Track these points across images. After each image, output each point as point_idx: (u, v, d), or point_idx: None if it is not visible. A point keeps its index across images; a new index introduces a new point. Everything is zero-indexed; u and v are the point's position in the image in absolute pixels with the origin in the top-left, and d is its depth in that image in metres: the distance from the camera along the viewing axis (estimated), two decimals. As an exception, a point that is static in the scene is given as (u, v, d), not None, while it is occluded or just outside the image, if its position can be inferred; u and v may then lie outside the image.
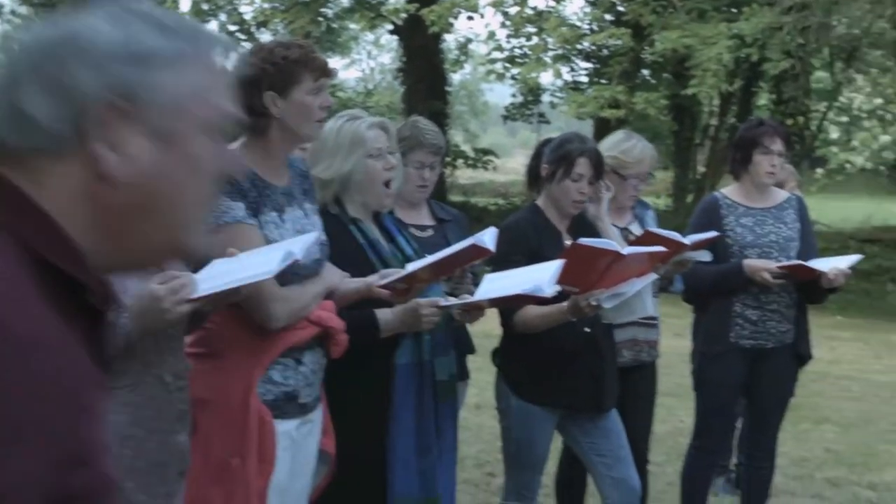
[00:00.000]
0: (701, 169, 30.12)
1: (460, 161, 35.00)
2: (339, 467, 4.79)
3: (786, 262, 6.69)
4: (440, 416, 5.04)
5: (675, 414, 9.96)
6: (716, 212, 6.89)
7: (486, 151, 36.26)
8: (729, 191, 7.06)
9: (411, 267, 4.61)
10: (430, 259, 4.66)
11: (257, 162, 4.38)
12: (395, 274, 4.59)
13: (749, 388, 6.99)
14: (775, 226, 6.88)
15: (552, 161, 5.90)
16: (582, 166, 5.83)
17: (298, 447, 4.47)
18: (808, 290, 6.85)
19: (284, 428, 4.35)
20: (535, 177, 6.10)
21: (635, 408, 6.65)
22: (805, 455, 9.93)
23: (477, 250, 4.63)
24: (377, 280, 4.57)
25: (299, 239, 4.06)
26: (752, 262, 6.68)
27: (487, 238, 4.61)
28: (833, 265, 6.63)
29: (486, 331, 5.98)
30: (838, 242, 25.47)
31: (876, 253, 25.25)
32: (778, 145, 6.84)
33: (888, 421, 11.86)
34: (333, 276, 4.45)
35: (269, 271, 3.63)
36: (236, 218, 4.22)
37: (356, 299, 4.63)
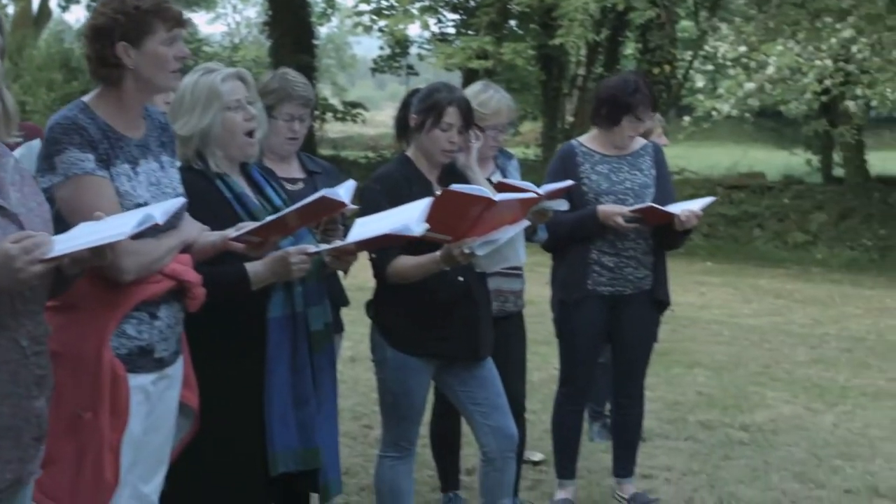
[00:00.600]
0: (570, 119, 30.30)
1: (329, 115, 34.87)
2: (217, 424, 4.76)
3: (637, 206, 6.76)
4: (316, 368, 5.02)
5: (549, 362, 10.03)
6: (572, 160, 6.95)
7: (355, 105, 36.17)
8: (586, 139, 7.13)
9: (265, 220, 4.55)
10: (282, 212, 4.60)
11: (111, 113, 4.32)
12: (249, 227, 4.52)
13: (612, 335, 7.07)
14: (630, 173, 6.96)
15: (421, 111, 5.88)
16: (451, 115, 5.82)
17: (155, 401, 4.41)
18: (664, 235, 6.93)
19: (139, 382, 4.29)
20: (404, 127, 6.04)
21: (507, 358, 6.67)
22: (678, 399, 10.09)
23: (329, 203, 4.58)
24: (233, 233, 4.51)
25: (163, 204, 3.98)
26: (604, 208, 6.76)
27: (342, 191, 4.57)
28: (685, 207, 6.71)
29: (360, 283, 5.95)
30: (706, 189, 25.75)
31: (743, 199, 25.70)
32: (649, 114, 6.94)
33: (758, 363, 12.11)
34: (192, 230, 4.40)
35: (124, 232, 3.55)
36: (85, 170, 4.16)
37: (213, 253, 4.57)
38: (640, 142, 7.10)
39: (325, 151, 32.45)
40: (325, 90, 46.07)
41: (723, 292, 18.06)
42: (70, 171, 4.14)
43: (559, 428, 7.25)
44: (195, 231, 4.42)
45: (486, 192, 5.28)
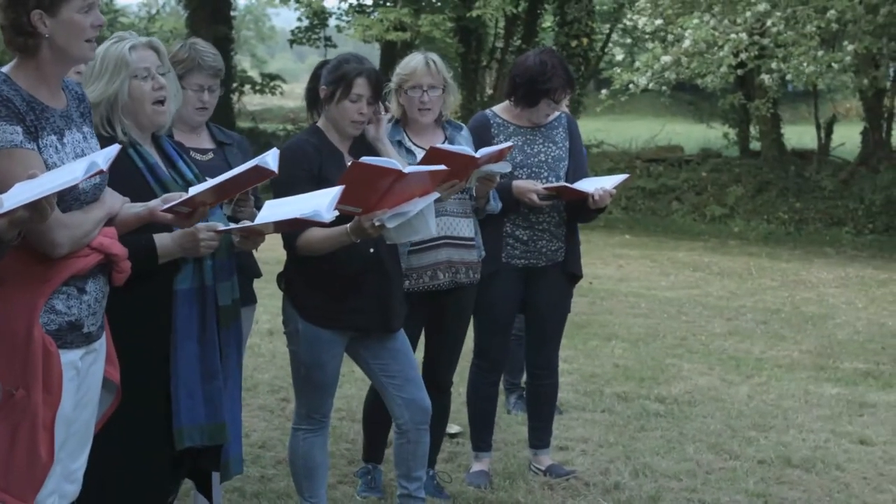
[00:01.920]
0: (489, 91, 30.29)
1: (248, 87, 34.70)
2: (124, 397, 4.71)
3: (551, 184, 6.77)
4: (224, 342, 4.95)
5: (470, 334, 10.02)
6: (486, 130, 6.95)
7: (273, 77, 36.05)
8: (500, 109, 7.12)
9: (193, 190, 4.52)
10: (212, 182, 4.56)
11: (31, 84, 4.24)
12: (177, 198, 4.46)
13: (526, 307, 7.09)
14: (545, 145, 6.97)
15: (330, 82, 5.86)
16: (360, 87, 5.80)
17: (83, 377, 4.38)
18: (577, 210, 6.95)
19: (69, 358, 4.25)
20: (314, 99, 6.02)
21: (445, 331, 6.75)
22: (595, 371, 10.14)
23: (260, 171, 4.54)
24: (159, 205, 4.46)
25: (102, 151, 3.94)
26: (519, 184, 6.76)
27: (270, 159, 4.53)
28: (599, 185, 6.74)
29: (278, 256, 5.90)
30: (624, 162, 26.00)
31: (661, 172, 25.86)
32: (566, 95, 6.95)
33: (674, 336, 12.20)
34: (114, 202, 4.34)
35: (75, 178, 3.55)
36: (14, 143, 4.08)
37: (137, 225, 4.52)
38: (553, 113, 7.07)
39: (243, 124, 32.31)
40: (245, 62, 45.90)
41: (641, 265, 18.17)
42: None
43: (474, 400, 7.26)
44: (118, 203, 4.36)
45: (396, 164, 5.26)
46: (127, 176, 4.71)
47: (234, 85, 32.43)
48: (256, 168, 4.50)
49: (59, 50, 4.25)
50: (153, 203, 4.47)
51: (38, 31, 4.19)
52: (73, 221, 3.95)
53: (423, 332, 6.75)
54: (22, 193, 3.52)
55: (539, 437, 7.37)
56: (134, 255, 4.61)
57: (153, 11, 47.37)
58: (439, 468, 7.16)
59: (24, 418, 4.04)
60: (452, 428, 7.95)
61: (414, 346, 6.39)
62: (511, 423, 8.37)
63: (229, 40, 30.93)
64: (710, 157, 26.78)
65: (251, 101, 37.97)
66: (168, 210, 4.47)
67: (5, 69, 4.29)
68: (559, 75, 6.81)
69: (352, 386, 8.94)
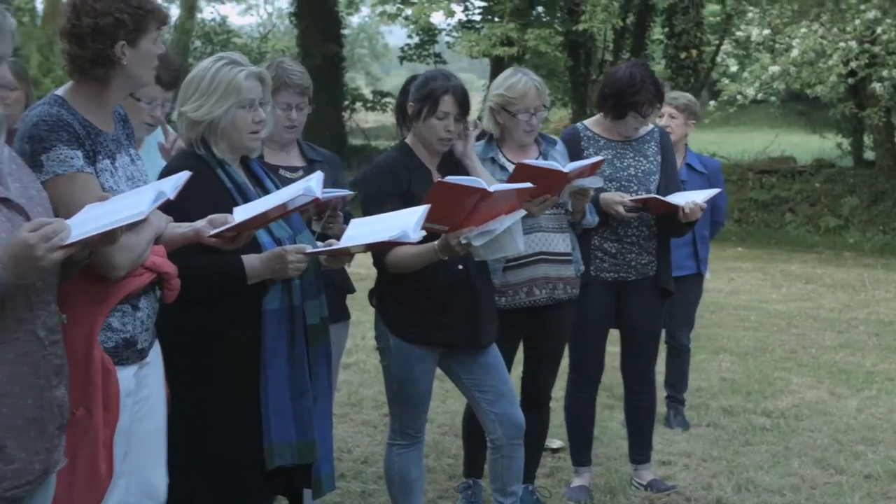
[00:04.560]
0: (597, 106, 30.10)
1: (359, 104, 34.94)
2: (214, 417, 4.79)
3: (639, 196, 6.72)
4: (312, 361, 4.97)
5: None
6: (576, 144, 6.91)
7: (385, 94, 36.20)
8: (591, 122, 7.09)
9: (239, 216, 4.51)
10: (257, 208, 4.56)
11: (87, 109, 4.30)
12: (222, 221, 4.49)
13: (619, 322, 7.06)
14: (635, 159, 6.92)
15: (417, 99, 5.87)
16: (447, 104, 5.80)
17: (138, 390, 4.43)
18: (668, 224, 6.90)
19: (124, 374, 4.30)
20: (403, 115, 6.03)
21: (543, 346, 6.71)
22: (701, 385, 10.04)
23: (305, 199, 4.55)
24: (206, 227, 4.49)
25: (169, 179, 3.96)
26: (606, 196, 6.72)
27: (314, 184, 4.54)
28: (690, 199, 6.68)
29: (374, 271, 5.94)
30: (737, 174, 25.69)
31: (774, 184, 25.54)
32: (655, 109, 6.90)
33: (784, 349, 12.04)
34: (160, 222, 4.37)
35: (142, 212, 3.56)
36: (75, 167, 4.13)
37: (182, 244, 4.55)
38: (646, 126, 7.03)
39: (355, 141, 32.50)
40: (359, 80, 46.19)
41: (752, 277, 17.97)
42: (60, 168, 4.10)
43: (571, 415, 7.25)
44: (163, 222, 4.40)
45: (481, 182, 5.25)
46: (214, 194, 4.78)
47: (346, 102, 32.65)
48: (300, 196, 4.52)
49: (130, 78, 4.33)
50: (199, 224, 4.49)
51: (119, 61, 4.26)
52: (129, 243, 3.99)
53: (520, 348, 6.72)
54: (91, 219, 3.56)
55: (639, 451, 7.33)
56: (223, 277, 4.71)
57: (267, 32, 47.92)
58: (540, 483, 7.15)
59: (85, 437, 4.08)
60: (554, 443, 7.94)
61: (511, 362, 6.39)
62: (613, 437, 8.32)
63: (340, 58, 31.19)
64: (823, 168, 26.40)
65: (365, 118, 38.20)
66: (215, 234, 4.50)
67: (61, 92, 4.34)
68: (647, 89, 6.77)
69: (455, 401, 8.94)
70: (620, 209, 6.70)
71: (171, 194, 3.76)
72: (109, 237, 3.57)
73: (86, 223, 3.50)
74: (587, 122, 7.15)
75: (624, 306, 7.01)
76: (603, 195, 6.71)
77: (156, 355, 4.56)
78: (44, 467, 3.64)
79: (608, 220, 6.80)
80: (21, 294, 3.48)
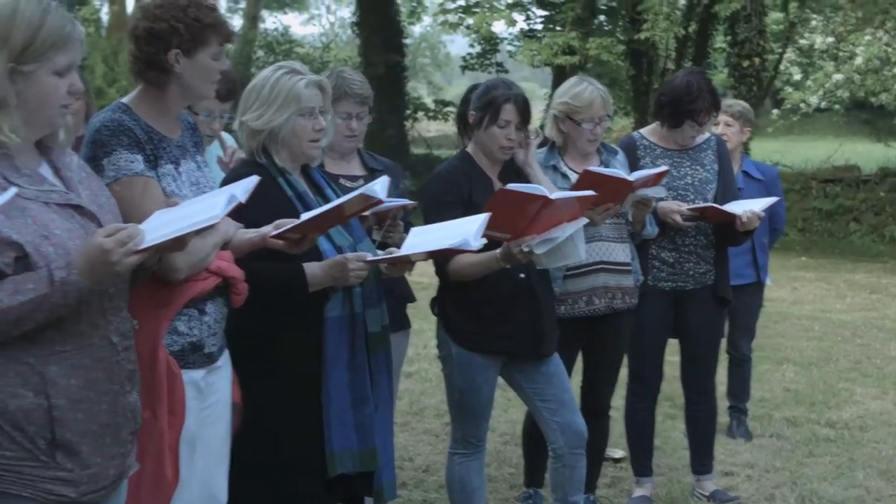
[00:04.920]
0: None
1: (421, 114, 34.95)
2: (275, 423, 4.82)
3: (696, 205, 6.69)
4: (374, 370, 4.98)
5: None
6: (633, 153, 6.91)
7: (446, 103, 36.17)
8: (648, 131, 7.09)
9: (303, 217, 4.53)
10: (320, 209, 4.60)
11: (151, 115, 4.37)
12: (287, 224, 4.51)
13: (678, 332, 7.03)
14: (692, 168, 6.90)
15: (478, 108, 5.88)
16: (508, 112, 5.80)
17: (206, 395, 4.46)
18: (725, 233, 6.86)
19: (191, 377, 4.34)
20: (464, 124, 6.05)
21: (603, 355, 6.72)
22: (764, 395, 9.98)
23: (367, 199, 4.59)
24: (271, 231, 4.51)
25: (240, 183, 3.99)
26: (663, 205, 6.70)
27: (378, 188, 4.57)
28: (747, 208, 6.64)
29: (436, 280, 5.95)
30: (800, 183, 25.45)
31: (838, 193, 25.30)
32: (711, 117, 6.88)
33: (848, 359, 11.93)
34: (229, 228, 4.40)
35: (216, 216, 3.59)
36: (135, 171, 4.20)
37: (250, 250, 4.58)
38: (702, 135, 7.00)
39: (417, 150, 32.52)
40: (421, 89, 46.26)
41: (816, 287, 17.83)
42: (120, 172, 4.17)
43: (631, 425, 7.24)
44: (232, 228, 4.43)
45: (543, 190, 5.25)
46: (275, 203, 4.81)
47: (408, 112, 32.69)
48: (363, 196, 4.55)
49: (187, 88, 4.39)
50: (265, 229, 4.53)
51: (172, 68, 4.33)
52: (192, 248, 4.02)
53: (579, 357, 6.70)
54: (163, 224, 3.58)
55: (701, 462, 7.29)
56: (284, 284, 4.75)
57: (329, 42, 48.12)
58: (601, 493, 7.14)
59: (150, 440, 4.10)
60: (616, 453, 7.92)
61: (570, 371, 6.38)
62: (676, 447, 8.28)
63: (402, 68, 31.23)
64: (888, 177, 26.06)
65: (427, 127, 38.23)
66: (278, 237, 4.52)
67: (126, 100, 4.42)
68: (704, 97, 6.74)
69: (517, 410, 8.92)
70: (678, 218, 6.68)
71: (243, 198, 3.79)
72: (180, 242, 3.61)
73: (158, 228, 3.53)
74: (644, 130, 7.15)
75: (682, 316, 6.98)
76: (660, 204, 6.69)
77: (226, 361, 4.60)
78: (118, 472, 3.68)
79: (665, 230, 6.79)
80: (95, 300, 3.52)
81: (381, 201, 4.63)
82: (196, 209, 3.73)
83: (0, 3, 3.51)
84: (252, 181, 4.00)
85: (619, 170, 6.37)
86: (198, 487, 4.45)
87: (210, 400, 4.48)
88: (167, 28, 4.29)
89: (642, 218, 6.49)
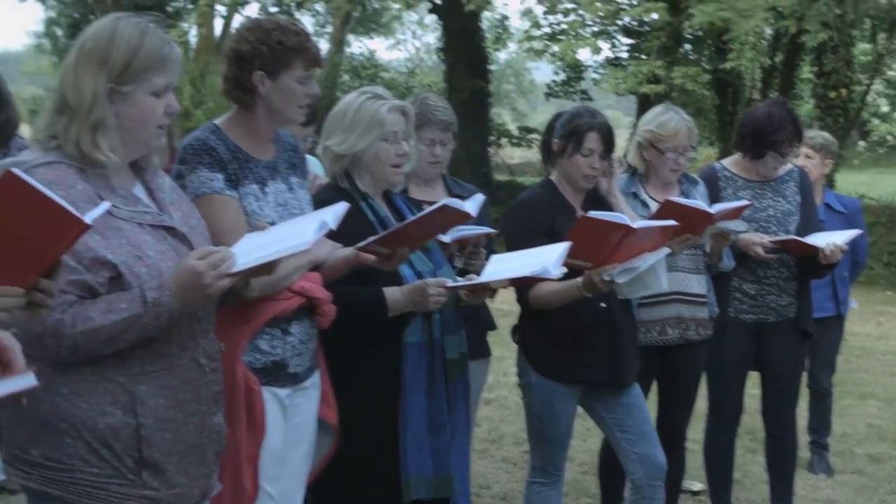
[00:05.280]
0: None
1: (504, 140, 35.00)
2: (351, 447, 4.82)
3: (778, 237, 6.63)
4: (451, 396, 4.99)
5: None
6: (714, 184, 6.85)
7: (530, 130, 36.19)
8: (729, 162, 7.02)
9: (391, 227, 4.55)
10: (406, 221, 4.62)
11: (240, 136, 4.45)
12: (374, 236, 4.54)
13: (760, 365, 6.96)
14: (774, 199, 6.82)
15: (562, 136, 5.87)
16: (592, 141, 5.79)
17: (292, 414, 4.51)
18: (808, 265, 6.77)
19: (274, 395, 4.40)
20: (548, 152, 6.04)
21: (677, 386, 6.66)
22: (846, 431, 9.86)
23: (453, 213, 4.59)
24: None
25: (331, 209, 4.02)
26: (745, 236, 6.64)
27: (469, 203, 4.56)
28: (830, 240, 6.57)
29: (517, 308, 5.95)
30: (886, 216, 25.12)
31: (925, 227, 24.93)
32: (794, 148, 6.80)
33: (935, 395, 11.74)
34: (322, 249, 4.44)
35: (306, 242, 3.61)
36: (213, 189, 4.28)
37: (346, 268, 4.62)
38: (785, 166, 6.94)
39: (500, 177, 32.52)
40: (505, 115, 46.29)
41: (902, 322, 17.61)
42: (199, 189, 4.26)
43: (711, 457, 7.18)
44: (326, 250, 4.47)
45: (625, 219, 5.24)
46: (358, 227, 4.81)
47: (492, 138, 32.73)
48: (448, 208, 4.55)
49: (273, 110, 4.46)
50: (358, 246, 4.56)
51: (256, 90, 4.41)
52: None
53: (654, 386, 6.67)
54: (254, 248, 3.61)
55: (780, 497, 7.21)
56: (365, 308, 4.77)
57: (415, 67, 48.34)
58: (679, 526, 7.07)
59: (227, 453, 4.11)
60: (695, 485, 7.87)
61: (644, 400, 6.34)
62: (756, 481, 8.20)
63: (486, 94, 31.27)
64: (977, 211, 25.78)
65: (511, 154, 38.26)
66: (368, 251, 4.54)
67: (218, 121, 4.51)
68: (786, 128, 6.68)
69: (596, 440, 8.85)
70: (760, 250, 6.61)
71: (334, 224, 3.82)
72: (270, 266, 3.64)
73: (249, 252, 3.56)
74: (725, 161, 7.10)
75: (764, 348, 6.91)
76: (742, 236, 6.62)
77: (315, 382, 4.64)
78: (202, 492, 3.72)
79: (747, 262, 6.72)
80: (185, 322, 3.56)
81: (469, 215, 4.63)
82: (286, 234, 3.76)
83: (99, 24, 3.58)
84: (342, 207, 4.03)
85: (699, 201, 6.34)
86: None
87: (294, 420, 4.52)
88: (251, 50, 4.38)
89: (720, 250, 6.46)
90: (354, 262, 4.59)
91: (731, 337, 6.79)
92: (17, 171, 2.83)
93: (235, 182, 4.33)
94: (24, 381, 2.41)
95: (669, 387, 6.68)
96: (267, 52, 4.38)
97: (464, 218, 4.72)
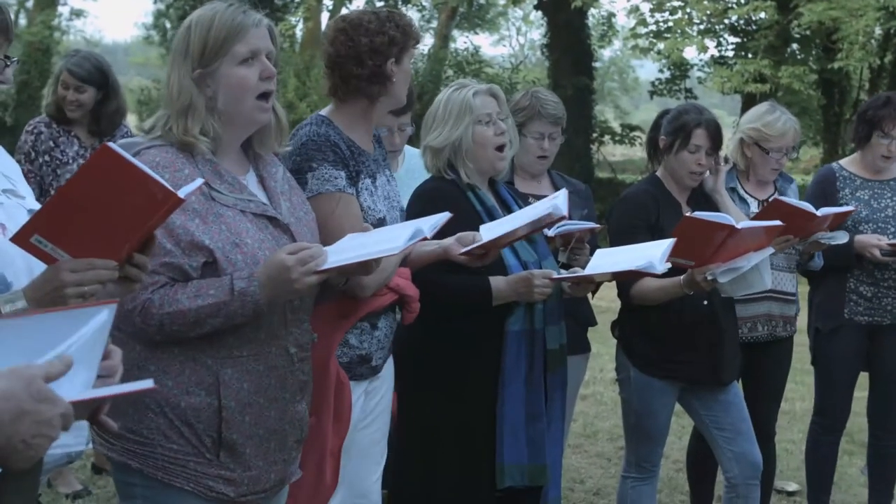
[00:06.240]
0: (851, 146, 29.45)
1: (607, 137, 34.88)
2: (450, 432, 4.91)
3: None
4: (549, 387, 5.02)
5: (813, 392, 9.82)
6: (832, 184, 6.77)
7: (633, 127, 36.03)
8: (847, 162, 6.92)
9: (486, 234, 4.58)
10: (505, 227, 4.63)
11: (349, 128, 4.47)
12: (470, 239, 4.58)
13: (870, 366, 6.87)
14: (893, 199, 6.70)
15: (669, 132, 5.89)
16: (699, 137, 5.80)
17: (366, 402, 4.57)
18: None
19: (357, 389, 4.46)
20: (654, 148, 6.06)
21: (766, 383, 6.62)
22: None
23: (551, 217, 4.61)
24: (454, 245, 4.58)
25: (430, 218, 4.07)
26: (861, 238, 6.55)
27: (560, 202, 4.59)
28: None
29: (617, 305, 5.96)
30: None
31: None
32: None
33: None
34: None
35: (396, 247, 3.67)
36: (338, 187, 4.30)
37: (430, 262, 4.66)
38: None
39: (602, 174, 32.45)
40: (608, 113, 46.13)
41: None
42: (323, 187, 4.27)
43: (812, 459, 7.08)
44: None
45: (729, 219, 5.22)
46: (465, 217, 4.86)
47: (594, 135, 32.64)
48: (548, 214, 4.58)
49: (392, 96, 4.50)
50: (447, 242, 4.59)
51: (391, 78, 4.44)
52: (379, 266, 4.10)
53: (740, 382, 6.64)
54: (351, 247, 3.67)
55: (879, 500, 7.13)
56: (470, 296, 4.83)
57: (519, 63, 48.31)
58: (775, 525, 7.04)
59: (313, 444, 4.19)
60: (790, 486, 7.82)
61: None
62: (851, 484, 8.13)
63: (590, 91, 31.20)
64: None
65: (613, 151, 38.10)
66: (464, 252, 4.58)
67: (325, 113, 4.53)
68: (892, 106, 6.61)
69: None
70: (876, 252, 6.51)
71: (429, 233, 3.86)
72: (365, 267, 3.70)
73: (344, 251, 3.62)
74: (843, 161, 7.00)
75: (877, 350, 6.81)
76: (858, 237, 6.56)
77: (388, 370, 4.70)
78: (280, 477, 3.78)
79: (864, 263, 6.64)
80: (278, 311, 3.62)
81: (564, 217, 4.66)
82: (383, 237, 3.80)
83: (184, 22, 3.70)
84: (442, 218, 4.10)
85: (793, 199, 6.31)
86: (350, 489, 4.56)
87: (368, 406, 4.59)
88: (387, 40, 4.41)
89: (813, 252, 6.44)
90: (442, 257, 4.62)
91: (846, 339, 6.74)
92: (112, 145, 2.89)
93: (354, 178, 4.37)
94: (143, 384, 2.49)
95: (757, 383, 6.62)
96: (400, 37, 4.43)
97: (561, 219, 4.75)
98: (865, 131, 6.72)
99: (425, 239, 3.86)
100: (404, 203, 4.83)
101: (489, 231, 4.63)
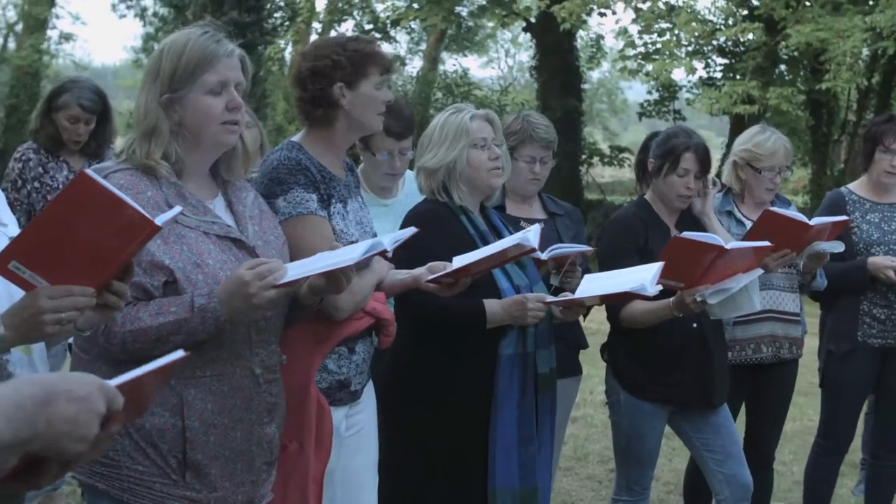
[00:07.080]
0: (840, 166, 29.62)
1: (596, 159, 34.93)
2: (442, 456, 4.90)
3: None
4: (539, 409, 5.03)
5: (804, 412, 9.84)
6: (842, 207, 6.74)
7: (622, 149, 36.10)
8: (856, 185, 6.91)
9: (458, 262, 4.55)
10: (475, 256, 4.58)
11: (321, 154, 4.46)
12: (441, 268, 4.52)
13: (878, 387, 6.85)
14: None
15: (658, 156, 5.90)
16: (688, 161, 5.82)
17: (347, 430, 4.55)
18: None
19: (336, 415, 4.43)
20: (642, 171, 6.08)
21: (768, 405, 6.61)
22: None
23: (521, 248, 4.56)
24: (424, 274, 4.53)
25: (393, 234, 4.10)
26: (875, 260, 6.55)
27: (531, 236, 4.58)
28: None
29: (606, 327, 5.96)
30: None
31: None
32: None
33: None
34: (382, 268, 4.46)
35: (351, 259, 3.66)
36: (309, 209, 4.29)
37: (401, 291, 4.63)
38: None
39: (591, 195, 32.50)
40: (597, 134, 46.19)
41: None
42: (295, 210, 4.27)
43: (812, 479, 7.02)
44: (385, 269, 4.49)
45: (718, 239, 5.24)
46: (457, 239, 4.90)
47: (583, 157, 32.70)
48: (518, 245, 4.54)
49: (353, 121, 4.47)
50: (418, 272, 4.54)
51: (339, 102, 4.42)
52: (353, 287, 4.07)
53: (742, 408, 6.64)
54: (309, 263, 3.67)
55: (875, 521, 7.12)
56: (465, 319, 4.85)
57: (508, 85, 48.36)
58: (767, 547, 7.02)
59: (295, 470, 4.20)
60: (780, 507, 7.81)
61: (734, 419, 6.32)
62: (843, 504, 8.14)
63: (579, 112, 31.29)
64: None
65: (602, 172, 38.15)
66: (432, 280, 4.56)
67: (297, 139, 4.52)
68: (893, 122, 6.63)
69: (682, 460, 8.83)
70: (891, 273, 6.49)
71: (390, 247, 3.87)
72: (335, 283, 3.73)
73: (304, 265, 3.64)
74: (851, 185, 6.97)
75: (887, 371, 6.77)
76: (872, 259, 6.57)
77: (368, 395, 4.68)
78: (248, 499, 3.77)
79: (877, 285, 6.63)
80: (242, 330, 3.64)
81: (534, 249, 4.63)
82: (343, 251, 3.80)
83: (158, 46, 3.72)
84: (406, 233, 4.12)
85: (797, 213, 6.31)
86: None
87: (350, 433, 4.57)
88: (329, 63, 4.39)
89: (813, 269, 6.43)
90: (412, 286, 4.56)
91: (858, 363, 6.71)
92: (90, 172, 2.92)
93: (326, 202, 4.36)
94: (175, 354, 2.50)
95: (760, 406, 6.61)
96: (346, 61, 4.39)
97: (530, 252, 4.67)
98: (869, 149, 6.74)
99: (385, 252, 3.87)
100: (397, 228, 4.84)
101: (460, 259, 4.61)
